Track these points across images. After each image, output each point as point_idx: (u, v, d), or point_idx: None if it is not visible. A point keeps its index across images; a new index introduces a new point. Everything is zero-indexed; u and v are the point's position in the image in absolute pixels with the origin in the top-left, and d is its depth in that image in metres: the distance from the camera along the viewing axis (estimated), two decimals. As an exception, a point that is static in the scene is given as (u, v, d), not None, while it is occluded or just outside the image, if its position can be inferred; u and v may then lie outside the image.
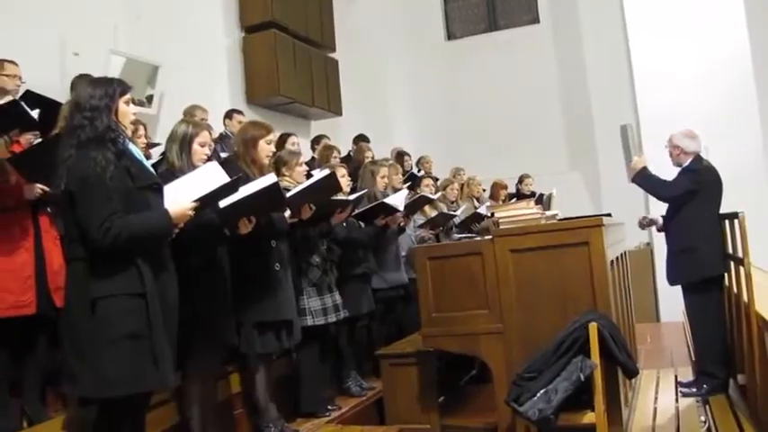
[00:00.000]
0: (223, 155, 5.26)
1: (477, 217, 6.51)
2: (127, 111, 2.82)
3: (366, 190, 5.04)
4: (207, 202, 2.99)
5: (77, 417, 3.15)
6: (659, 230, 5.25)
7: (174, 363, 2.83)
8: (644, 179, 4.95)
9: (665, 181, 4.93)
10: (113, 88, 2.77)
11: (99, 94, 2.73)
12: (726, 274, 4.91)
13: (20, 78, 4.23)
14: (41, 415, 3.41)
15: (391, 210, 5.03)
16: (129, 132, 2.87)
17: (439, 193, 6.54)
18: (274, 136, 4.13)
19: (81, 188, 2.59)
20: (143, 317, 2.63)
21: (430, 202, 6.01)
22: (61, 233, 3.53)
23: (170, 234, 2.83)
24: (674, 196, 4.90)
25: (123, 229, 2.58)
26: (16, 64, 4.28)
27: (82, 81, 2.86)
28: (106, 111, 2.71)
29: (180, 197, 2.84)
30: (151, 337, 2.63)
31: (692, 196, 4.79)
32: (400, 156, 8.26)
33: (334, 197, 4.50)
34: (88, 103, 2.71)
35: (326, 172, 4.17)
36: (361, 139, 8.13)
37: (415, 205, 5.70)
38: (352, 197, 4.78)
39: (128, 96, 2.84)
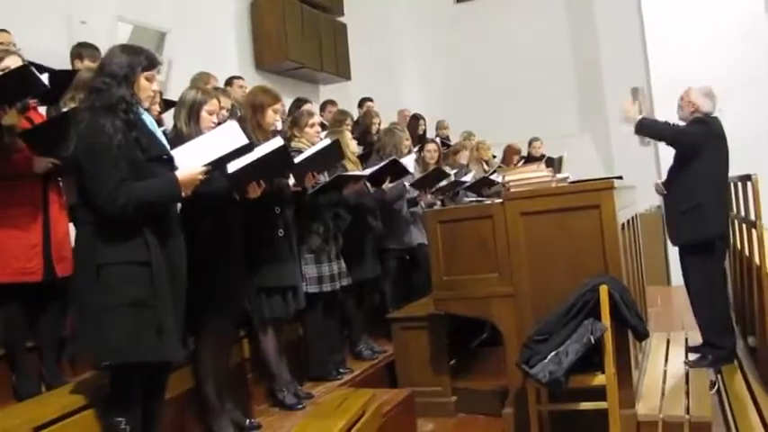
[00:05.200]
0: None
1: (488, 181, 6.49)
2: (146, 86, 2.78)
3: (383, 163, 5.01)
4: (219, 165, 2.98)
5: (93, 380, 3.19)
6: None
7: (181, 332, 2.82)
8: (647, 127, 4.83)
9: (668, 124, 4.83)
10: (138, 60, 2.73)
11: (121, 63, 2.70)
12: (732, 238, 4.84)
13: (14, 45, 4.21)
14: (58, 379, 3.46)
15: (402, 170, 5.02)
16: (146, 105, 2.83)
17: (453, 172, 6.49)
18: (282, 106, 4.10)
19: (88, 156, 2.59)
20: (148, 286, 2.61)
21: (445, 176, 5.98)
22: (69, 204, 3.57)
23: (178, 199, 2.82)
24: (671, 138, 4.79)
25: (131, 198, 2.56)
26: (8, 32, 4.25)
27: (115, 47, 2.83)
28: (124, 81, 2.68)
29: (190, 162, 2.81)
30: (156, 307, 2.61)
31: (698, 151, 4.62)
32: (415, 119, 8.19)
33: (350, 172, 4.50)
34: (110, 69, 2.70)
35: (328, 141, 4.14)
36: (366, 101, 8.07)
37: (428, 179, 5.69)
38: (366, 172, 4.79)
39: (151, 72, 2.79)
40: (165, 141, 2.89)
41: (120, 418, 2.68)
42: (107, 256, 2.59)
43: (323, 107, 7.39)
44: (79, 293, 2.68)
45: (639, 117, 4.82)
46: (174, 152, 2.86)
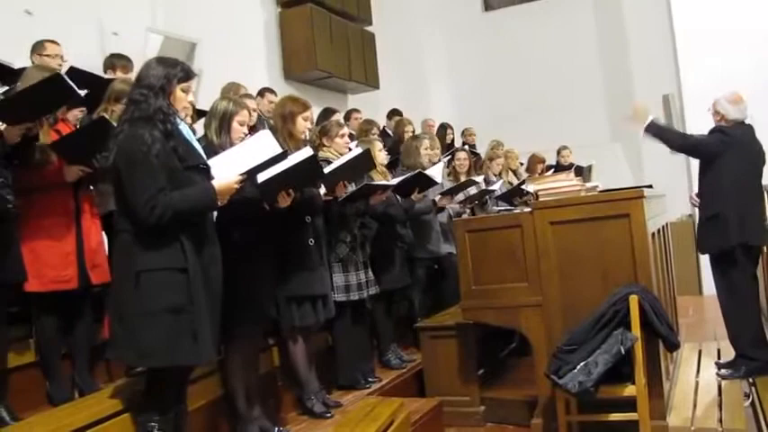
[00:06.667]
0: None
1: (519, 191, 6.47)
2: (182, 97, 2.86)
3: (409, 174, 5.02)
4: (254, 174, 3.04)
5: (125, 387, 3.23)
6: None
7: (217, 337, 2.89)
8: (657, 131, 4.70)
9: (678, 131, 4.74)
10: (174, 72, 2.81)
11: (158, 75, 2.78)
12: (760, 247, 4.73)
13: (61, 58, 4.29)
14: (91, 386, 3.51)
15: (429, 181, 5.03)
16: (182, 116, 2.90)
17: (481, 177, 6.48)
18: (311, 113, 4.14)
19: (126, 166, 2.66)
20: (185, 292, 2.68)
21: (473, 184, 5.98)
22: (101, 213, 3.64)
23: (215, 208, 2.89)
24: (682, 146, 4.71)
25: (168, 207, 2.63)
26: (57, 43, 4.34)
27: (152, 59, 2.91)
28: (161, 92, 2.76)
29: (226, 171, 2.88)
30: (192, 313, 2.69)
31: (714, 160, 4.55)
32: (443, 128, 8.20)
33: (376, 182, 4.53)
34: (147, 81, 2.77)
35: (360, 150, 4.17)
36: (395, 113, 8.10)
37: (460, 189, 5.70)
38: (393, 181, 4.79)
39: (187, 84, 2.87)
40: (201, 151, 2.95)
41: (153, 423, 2.76)
42: (145, 262, 2.66)
43: (347, 116, 7.40)
44: (118, 300, 2.75)
45: (649, 119, 4.71)
46: (210, 161, 2.93)
